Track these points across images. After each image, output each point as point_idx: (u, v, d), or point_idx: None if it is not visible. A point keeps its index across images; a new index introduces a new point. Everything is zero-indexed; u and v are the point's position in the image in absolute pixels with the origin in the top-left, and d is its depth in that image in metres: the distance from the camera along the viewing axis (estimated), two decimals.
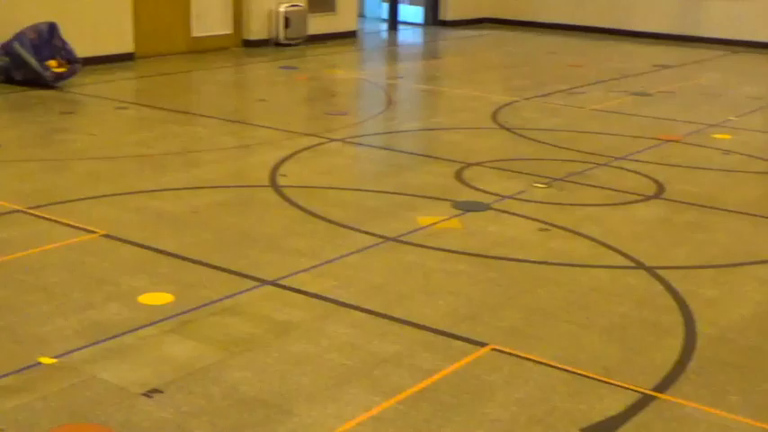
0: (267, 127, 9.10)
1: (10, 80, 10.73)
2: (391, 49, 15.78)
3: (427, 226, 6.31)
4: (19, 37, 10.72)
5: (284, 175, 7.37)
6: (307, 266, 5.53)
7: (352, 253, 5.78)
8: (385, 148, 8.59)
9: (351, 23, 15.73)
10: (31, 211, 6.35)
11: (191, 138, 8.76)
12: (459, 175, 7.51)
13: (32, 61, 10.59)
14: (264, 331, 4.67)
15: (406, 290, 5.28)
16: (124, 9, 12.42)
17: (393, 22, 17.00)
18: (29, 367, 4.21)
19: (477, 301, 5.17)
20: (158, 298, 5.01)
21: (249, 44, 14.19)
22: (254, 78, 12.46)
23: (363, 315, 4.91)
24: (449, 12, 17.52)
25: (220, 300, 5.02)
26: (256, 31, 14.24)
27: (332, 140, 8.61)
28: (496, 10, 17.94)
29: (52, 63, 10.72)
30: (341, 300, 5.07)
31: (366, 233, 6.13)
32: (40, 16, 11.04)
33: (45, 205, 6.46)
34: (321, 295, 5.13)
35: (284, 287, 5.23)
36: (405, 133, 9.34)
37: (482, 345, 4.59)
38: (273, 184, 7.15)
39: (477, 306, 5.09)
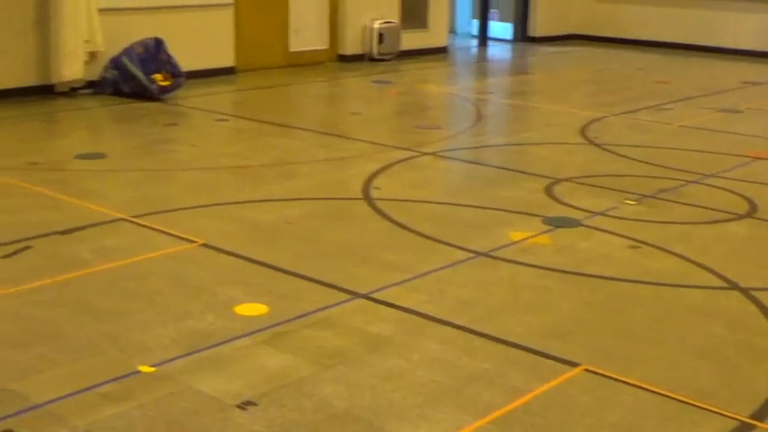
0: (361, 140, 9.00)
1: (118, 92, 10.85)
2: (481, 65, 15.58)
3: (518, 241, 6.11)
4: (128, 51, 10.84)
5: (377, 188, 7.25)
6: (398, 280, 5.39)
7: (443, 267, 5.62)
8: (475, 163, 8.40)
9: (442, 39, 15.57)
10: (135, 219, 6.34)
11: (287, 150, 8.70)
12: (548, 191, 7.29)
13: (140, 75, 10.69)
14: (356, 345, 4.53)
15: (496, 306, 5.10)
16: (227, 25, 12.49)
17: (483, 38, 16.80)
18: (128, 375, 4.15)
19: (568, 319, 4.96)
20: (253, 309, 4.92)
21: (344, 59, 14.14)
22: (348, 92, 12.40)
23: (454, 331, 4.75)
24: (537, 28, 17.23)
25: (314, 312, 4.90)
26: (351, 46, 14.19)
27: (424, 154, 8.46)
28: (584, 27, 17.58)
29: (158, 77, 10.81)
30: (432, 315, 4.91)
31: (457, 247, 5.96)
32: (147, 32, 11.15)
33: (148, 214, 6.44)
34: (412, 309, 4.98)
35: (376, 300, 5.09)
36: (495, 148, 9.15)
37: (574, 365, 4.38)
38: (367, 197, 7.03)
39: (569, 324, 4.88)
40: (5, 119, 9.55)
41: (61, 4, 10.41)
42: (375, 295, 5.15)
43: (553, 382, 4.21)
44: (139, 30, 11.16)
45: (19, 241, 5.84)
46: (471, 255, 5.84)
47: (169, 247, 5.82)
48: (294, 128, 9.65)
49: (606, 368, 4.35)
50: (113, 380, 4.10)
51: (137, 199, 6.86)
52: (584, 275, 5.57)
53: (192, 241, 5.93)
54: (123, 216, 6.39)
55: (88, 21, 10.68)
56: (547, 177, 7.68)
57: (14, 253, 5.63)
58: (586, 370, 4.34)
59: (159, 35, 11.10)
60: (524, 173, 7.93)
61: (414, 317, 4.90)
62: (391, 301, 5.07)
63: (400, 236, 6.21)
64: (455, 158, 8.54)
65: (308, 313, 4.88)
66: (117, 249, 5.78)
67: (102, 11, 10.85)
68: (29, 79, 10.65)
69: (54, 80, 10.69)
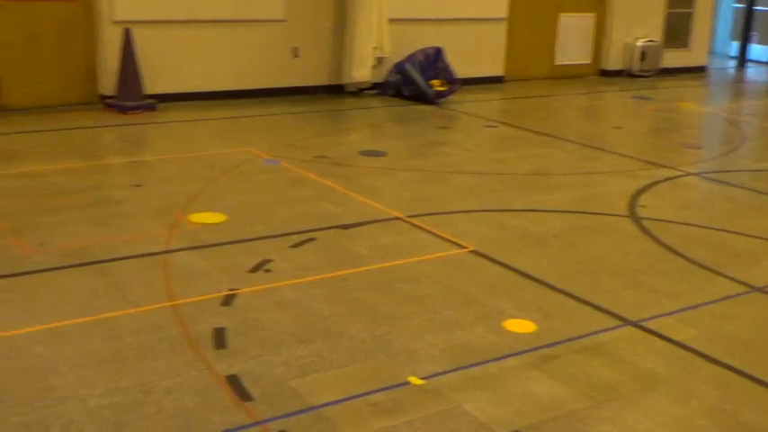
0: (623, 155, 8.15)
1: (399, 95, 10.59)
2: (739, 86, 14.07)
3: None
4: (410, 58, 10.54)
5: (643, 206, 6.43)
6: (668, 309, 4.61)
7: (716, 300, 4.77)
8: (742, 187, 7.30)
9: (701, 59, 14.24)
10: (409, 219, 5.91)
11: (551, 160, 8.01)
12: None
13: (419, 80, 10.35)
14: (629, 380, 3.83)
15: None
16: (499, 38, 11.92)
17: (742, 59, 15.23)
18: (398, 386, 3.68)
19: None
20: (522, 326, 4.32)
21: (605, 73, 13.22)
22: (609, 106, 11.46)
23: (731, 375, 3.93)
24: None
25: (582, 337, 4.24)
26: (613, 61, 13.24)
27: (688, 174, 7.51)
28: None
29: (435, 82, 10.42)
30: (707, 353, 4.11)
31: (729, 278, 5.07)
32: (429, 41, 10.81)
33: (421, 215, 6.00)
34: (685, 344, 4.20)
35: (647, 330, 4.34)
36: (761, 173, 7.98)
37: None
38: (632, 215, 6.24)
39: None
40: (302, 113, 9.48)
41: (357, 14, 10.23)
42: (645, 324, 4.41)
43: None
44: (422, 39, 10.84)
45: (306, 232, 5.56)
46: (746, 289, 4.95)
47: (440, 251, 5.33)
48: (558, 138, 8.92)
49: None
50: (384, 389, 3.64)
51: (411, 198, 6.43)
52: None
53: (463, 246, 5.41)
54: (399, 215, 5.98)
55: (379, 30, 10.45)
56: None
57: (300, 244, 5.35)
58: None
59: (439, 44, 10.72)
60: None
61: (687, 353, 4.12)
62: (663, 333, 4.31)
63: (669, 260, 5.39)
64: (721, 181, 7.50)
65: (577, 337, 4.23)
66: (392, 248, 5.36)
67: (391, 21, 10.59)
68: (323, 79, 10.59)
69: (344, 81, 10.57)
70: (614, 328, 4.36)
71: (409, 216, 5.96)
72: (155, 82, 9.36)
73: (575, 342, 4.17)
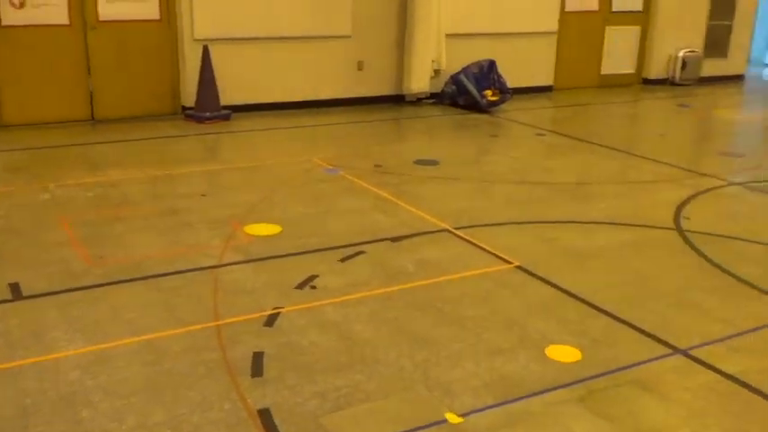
0: (667, 164, 7.31)
1: (454, 104, 9.89)
2: None
3: None
4: (465, 70, 9.82)
5: (687, 218, 5.64)
6: (719, 336, 3.87)
7: (765, 326, 4.01)
8: None
9: (739, 68, 13.12)
10: (456, 231, 5.25)
11: (597, 168, 7.22)
12: None
13: (473, 91, 9.63)
14: (679, 421, 3.13)
15: None
16: (549, 50, 11.09)
17: None
18: (434, 424, 3.05)
19: None
20: (566, 353, 3.64)
21: (647, 82, 12.24)
22: (652, 114, 10.52)
23: None
24: None
25: (628, 367, 3.54)
26: (655, 71, 12.25)
27: (731, 184, 6.66)
28: None
29: (488, 92, 9.69)
30: (764, 390, 3.38)
31: None
32: (482, 54, 10.07)
33: (468, 227, 5.34)
34: (740, 380, 3.46)
35: (696, 360, 3.62)
36: None
37: None
38: (677, 227, 5.46)
39: None
40: (365, 123, 8.87)
41: (417, 29, 9.56)
42: (694, 352, 3.68)
43: None
44: (477, 52, 10.10)
45: (356, 245, 4.95)
46: None
47: (485, 267, 4.67)
48: (604, 146, 8.10)
49: None
50: (419, 428, 3.02)
51: (460, 209, 5.76)
52: None
53: (508, 262, 4.74)
54: (446, 226, 5.33)
55: (437, 44, 9.77)
56: None
57: (349, 257, 4.75)
58: None
59: (493, 57, 9.97)
60: None
61: (743, 390, 3.38)
62: (714, 364, 3.58)
63: (717, 277, 4.62)
64: (764, 191, 6.62)
65: (623, 368, 3.53)
66: (437, 263, 4.71)
67: (448, 36, 9.89)
68: (385, 90, 9.95)
69: (404, 91, 9.91)
70: (661, 357, 3.65)
71: (456, 228, 5.30)
72: (230, 94, 8.87)
73: (620, 373, 3.47)
